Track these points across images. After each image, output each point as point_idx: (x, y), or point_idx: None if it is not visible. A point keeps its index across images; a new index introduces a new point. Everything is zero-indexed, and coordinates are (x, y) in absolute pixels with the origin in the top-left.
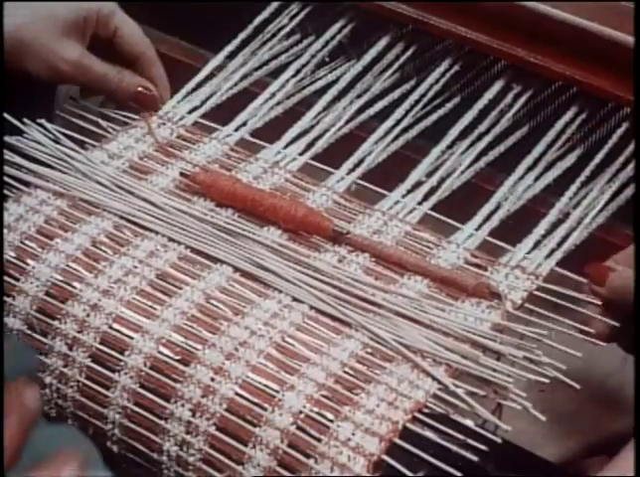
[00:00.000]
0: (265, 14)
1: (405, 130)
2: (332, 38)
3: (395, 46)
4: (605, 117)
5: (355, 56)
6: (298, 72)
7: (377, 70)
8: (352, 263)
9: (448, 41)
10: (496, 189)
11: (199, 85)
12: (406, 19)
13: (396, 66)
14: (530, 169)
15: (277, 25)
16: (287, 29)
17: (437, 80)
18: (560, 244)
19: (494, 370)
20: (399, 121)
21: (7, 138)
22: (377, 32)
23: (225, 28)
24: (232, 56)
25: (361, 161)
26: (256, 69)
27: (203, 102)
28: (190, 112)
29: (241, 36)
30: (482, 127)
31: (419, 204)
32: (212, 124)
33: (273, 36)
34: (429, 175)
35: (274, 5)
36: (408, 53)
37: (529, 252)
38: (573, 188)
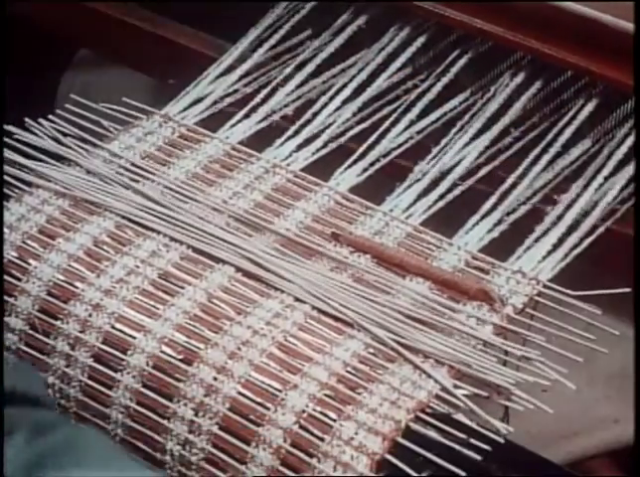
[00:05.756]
0: (272, 14)
1: (408, 129)
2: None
3: (407, 39)
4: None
5: (367, 45)
6: (300, 69)
7: (384, 65)
8: (353, 265)
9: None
10: (498, 191)
11: (201, 85)
12: (422, 10)
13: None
14: (531, 168)
15: (281, 22)
16: (288, 26)
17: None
18: (561, 249)
19: (496, 372)
20: (398, 119)
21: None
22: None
23: (243, 18)
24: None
25: (363, 159)
26: (259, 67)
27: (204, 102)
28: (191, 111)
29: (249, 35)
30: (483, 127)
31: (421, 205)
32: (213, 124)
33: (275, 33)
34: (431, 176)
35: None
36: (419, 44)
37: (530, 257)
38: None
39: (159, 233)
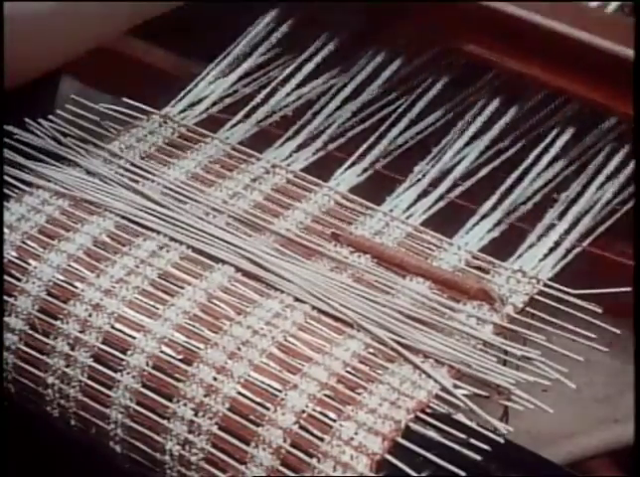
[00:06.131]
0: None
1: (407, 129)
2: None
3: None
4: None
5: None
6: (300, 69)
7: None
8: (353, 265)
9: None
10: (498, 191)
11: (201, 86)
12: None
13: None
14: (531, 168)
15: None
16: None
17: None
18: (562, 248)
19: (496, 372)
20: (398, 120)
21: (8, 136)
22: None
23: (212, 39)
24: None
25: (363, 159)
26: (259, 67)
27: (204, 102)
28: (191, 112)
29: (248, 35)
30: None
31: (421, 205)
32: (213, 124)
33: (275, 32)
34: (431, 176)
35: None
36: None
37: (531, 256)
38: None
39: (159, 233)
